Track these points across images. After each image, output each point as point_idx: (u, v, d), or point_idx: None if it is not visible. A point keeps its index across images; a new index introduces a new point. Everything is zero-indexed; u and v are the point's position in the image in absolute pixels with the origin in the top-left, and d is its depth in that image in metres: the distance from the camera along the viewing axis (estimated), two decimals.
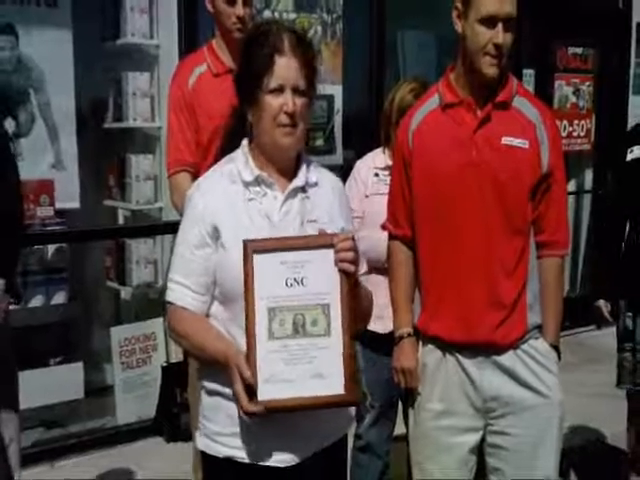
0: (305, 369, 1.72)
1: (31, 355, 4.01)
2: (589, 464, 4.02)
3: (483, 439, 2.35)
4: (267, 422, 1.78)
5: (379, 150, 3.16)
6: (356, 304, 1.81)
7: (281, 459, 1.84)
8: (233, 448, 1.85)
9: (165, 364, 4.36)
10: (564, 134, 6.35)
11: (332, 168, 2.09)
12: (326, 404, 1.74)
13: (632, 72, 6.64)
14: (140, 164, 4.53)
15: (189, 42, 4.30)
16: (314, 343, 1.72)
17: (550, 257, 2.36)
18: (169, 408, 4.22)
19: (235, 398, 1.74)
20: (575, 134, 6.47)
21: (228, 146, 2.01)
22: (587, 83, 6.51)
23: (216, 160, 2.05)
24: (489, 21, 2.18)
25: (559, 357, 2.37)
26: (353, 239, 1.77)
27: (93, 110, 4.68)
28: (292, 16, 4.83)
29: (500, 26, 2.17)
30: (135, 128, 4.60)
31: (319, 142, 5.01)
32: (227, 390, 1.79)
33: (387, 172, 2.89)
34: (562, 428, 2.36)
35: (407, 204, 2.39)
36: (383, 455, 3.14)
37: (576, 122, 6.46)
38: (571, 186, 6.82)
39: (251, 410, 1.71)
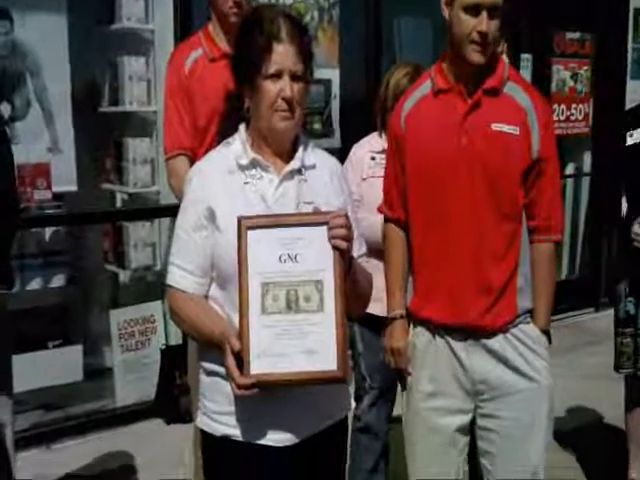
0: (297, 344, 1.73)
1: (30, 338, 4.04)
2: (587, 446, 4.04)
3: (475, 422, 2.37)
4: (264, 401, 1.80)
5: (376, 134, 3.16)
6: (352, 283, 1.83)
7: (278, 438, 1.85)
8: (230, 427, 1.87)
9: (164, 346, 4.38)
10: (562, 118, 6.36)
11: (330, 152, 2.10)
12: (317, 380, 1.75)
13: (630, 57, 6.63)
14: (137, 148, 4.54)
15: (184, 26, 4.30)
16: (307, 319, 1.73)
17: (542, 242, 2.36)
18: (168, 390, 4.25)
19: (228, 373, 1.76)
20: (573, 118, 6.47)
21: (225, 130, 2.01)
22: (585, 68, 6.50)
23: (213, 144, 2.06)
24: (473, 9, 2.17)
25: (549, 342, 2.38)
26: (347, 217, 1.78)
27: (89, 94, 4.68)
28: (289, 0, 4.83)
29: (484, 14, 2.16)
30: (131, 112, 4.60)
31: (317, 126, 5.02)
32: (224, 370, 1.81)
33: (383, 155, 2.88)
34: (552, 413, 2.36)
35: (401, 188, 2.40)
36: (382, 436, 3.16)
37: (574, 106, 6.47)
38: (569, 169, 6.84)
39: (242, 382, 1.72)
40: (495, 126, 2.26)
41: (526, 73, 5.96)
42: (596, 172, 6.66)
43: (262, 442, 1.85)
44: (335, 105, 5.09)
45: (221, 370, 1.84)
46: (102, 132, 4.76)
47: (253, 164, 1.89)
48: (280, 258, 1.75)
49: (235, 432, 1.87)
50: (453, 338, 2.32)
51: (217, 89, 2.33)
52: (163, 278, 1.98)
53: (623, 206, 3.35)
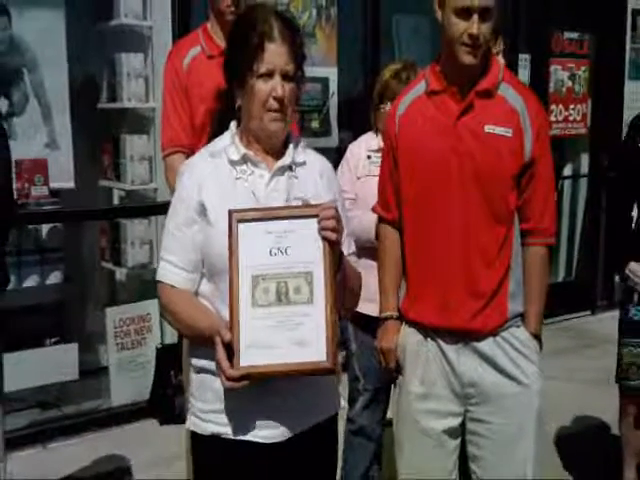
0: (288, 336, 1.73)
1: (26, 336, 4.02)
2: (583, 450, 4.02)
3: (465, 426, 2.36)
4: (253, 398, 1.80)
5: (372, 132, 3.16)
6: (342, 278, 1.83)
7: (268, 435, 1.85)
8: (219, 425, 1.87)
9: (160, 346, 4.37)
10: (560, 118, 6.35)
11: (328, 150, 2.11)
12: (307, 371, 1.75)
13: (628, 57, 6.62)
14: (134, 144, 4.52)
15: (182, 23, 4.30)
16: (297, 311, 1.74)
17: (535, 245, 2.35)
18: (163, 390, 4.23)
19: (217, 367, 1.76)
20: (571, 118, 6.46)
21: (218, 128, 2.02)
22: (583, 68, 6.50)
23: (209, 142, 2.06)
24: (464, 12, 2.16)
25: (540, 346, 2.37)
26: (336, 209, 1.78)
27: (87, 90, 4.67)
28: None
29: (475, 17, 2.15)
30: (129, 109, 4.58)
31: (314, 124, 5.01)
32: (214, 366, 1.81)
33: (379, 154, 2.89)
34: (542, 418, 2.34)
35: (395, 188, 2.40)
36: (376, 438, 3.15)
37: (572, 107, 6.46)
38: (567, 170, 6.83)
39: (232, 375, 1.72)
40: (488, 128, 2.25)
41: (524, 73, 5.96)
42: (594, 173, 6.67)
43: (252, 439, 1.85)
44: (333, 103, 5.08)
45: (210, 366, 1.84)
46: (100, 129, 4.76)
47: (244, 160, 1.90)
48: (271, 251, 1.76)
49: (224, 430, 1.87)
50: (444, 340, 2.31)
51: (214, 86, 2.33)
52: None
53: (634, 212, 3.32)
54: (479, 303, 2.27)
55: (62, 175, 4.27)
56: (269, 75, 1.84)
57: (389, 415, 3.07)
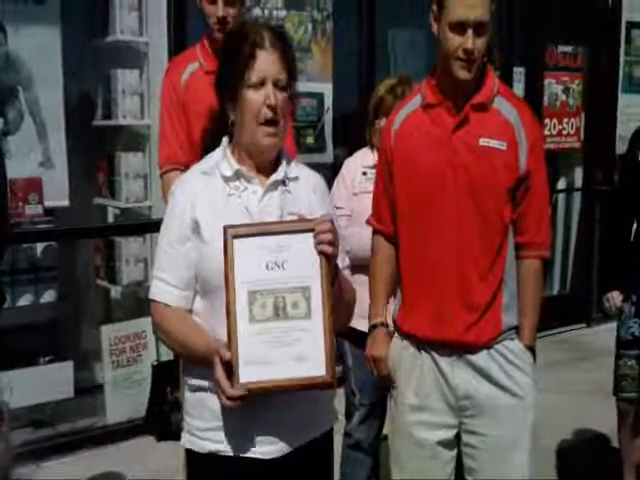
0: (286, 351, 1.72)
1: (21, 354, 4.00)
2: (580, 462, 4.01)
3: (461, 438, 2.35)
4: (250, 414, 1.79)
5: (367, 148, 3.16)
6: (338, 291, 1.83)
7: (266, 450, 1.84)
8: (217, 442, 1.86)
9: (155, 363, 4.36)
10: (554, 132, 6.37)
11: (322, 166, 2.10)
12: (307, 386, 1.74)
13: (621, 71, 6.65)
14: (130, 162, 4.51)
15: (179, 40, 4.30)
16: (295, 326, 1.73)
17: (529, 259, 2.35)
18: (160, 407, 4.22)
19: (216, 386, 1.74)
20: (565, 132, 6.48)
21: (211, 145, 2.01)
22: (577, 81, 6.52)
23: (201, 158, 2.06)
24: (459, 26, 2.17)
25: (534, 358, 2.37)
26: (332, 222, 1.78)
27: (82, 108, 4.66)
28: (282, 14, 4.83)
29: (470, 32, 2.16)
30: (124, 126, 4.58)
31: (309, 140, 5.01)
32: (210, 384, 1.80)
33: (374, 170, 2.89)
34: (536, 429, 2.34)
35: (390, 201, 2.40)
36: (373, 452, 3.15)
37: (566, 120, 6.48)
38: (561, 184, 6.84)
39: (232, 394, 1.71)
40: (483, 141, 2.26)
41: (519, 86, 5.98)
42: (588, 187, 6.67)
43: (249, 455, 1.84)
44: (328, 119, 5.08)
45: (206, 384, 1.83)
46: (95, 146, 4.75)
47: (237, 175, 1.89)
48: (267, 266, 1.75)
49: (222, 447, 1.85)
50: (437, 352, 2.31)
51: (212, 102, 2.32)
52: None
53: (634, 225, 3.31)
54: (473, 316, 2.27)
55: (57, 193, 4.25)
56: (261, 84, 1.83)
57: (385, 431, 3.06)
